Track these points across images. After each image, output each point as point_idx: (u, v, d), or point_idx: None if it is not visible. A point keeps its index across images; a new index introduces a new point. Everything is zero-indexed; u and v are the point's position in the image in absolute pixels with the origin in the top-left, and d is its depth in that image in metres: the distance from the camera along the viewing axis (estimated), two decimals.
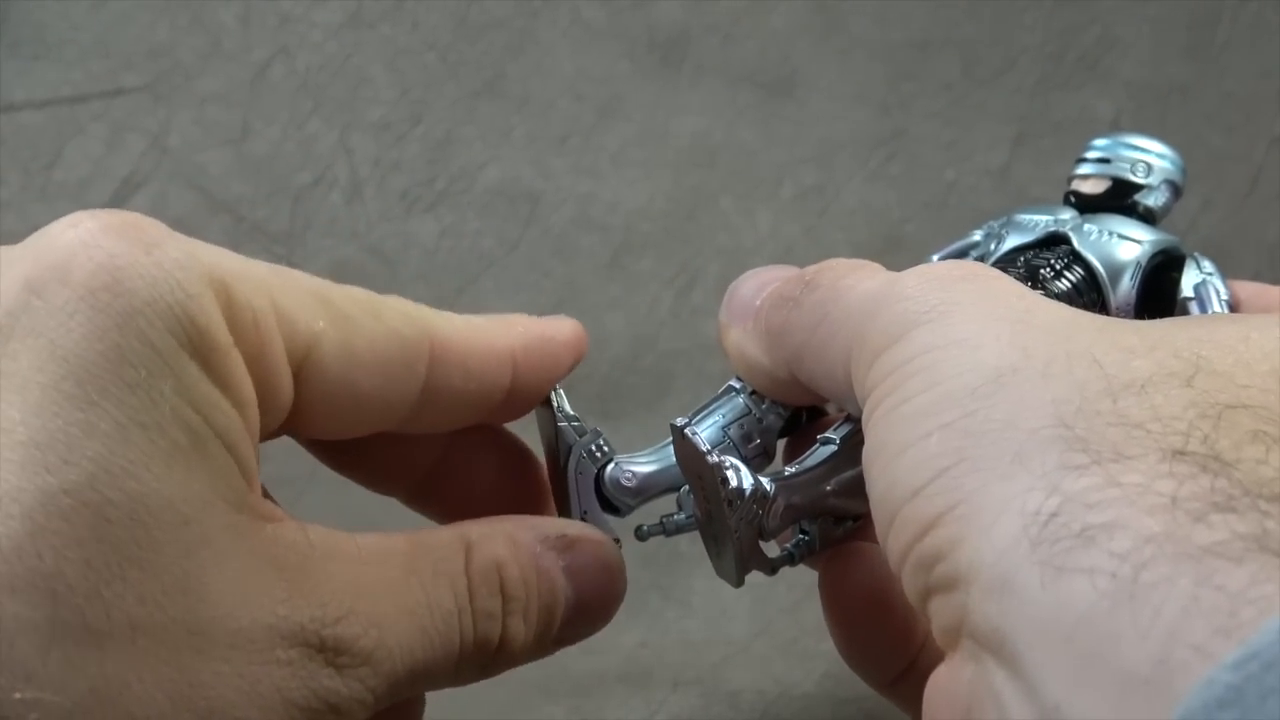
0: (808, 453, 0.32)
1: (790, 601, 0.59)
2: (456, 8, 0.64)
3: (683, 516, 0.33)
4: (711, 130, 0.64)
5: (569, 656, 0.62)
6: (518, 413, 0.34)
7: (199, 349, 0.26)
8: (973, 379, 0.25)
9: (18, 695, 0.22)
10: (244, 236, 0.61)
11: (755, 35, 0.65)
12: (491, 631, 0.30)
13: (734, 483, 0.30)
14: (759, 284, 0.34)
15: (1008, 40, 0.66)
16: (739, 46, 0.65)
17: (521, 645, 0.31)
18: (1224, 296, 0.34)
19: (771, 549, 0.33)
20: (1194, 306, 0.34)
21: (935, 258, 0.38)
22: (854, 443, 0.31)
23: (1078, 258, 0.34)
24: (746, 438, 0.34)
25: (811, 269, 0.32)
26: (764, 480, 0.30)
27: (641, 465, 0.33)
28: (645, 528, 0.34)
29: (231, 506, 0.26)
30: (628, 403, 0.60)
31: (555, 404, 0.34)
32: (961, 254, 0.37)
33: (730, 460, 0.30)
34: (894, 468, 0.26)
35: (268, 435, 0.30)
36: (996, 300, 0.28)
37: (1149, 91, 0.67)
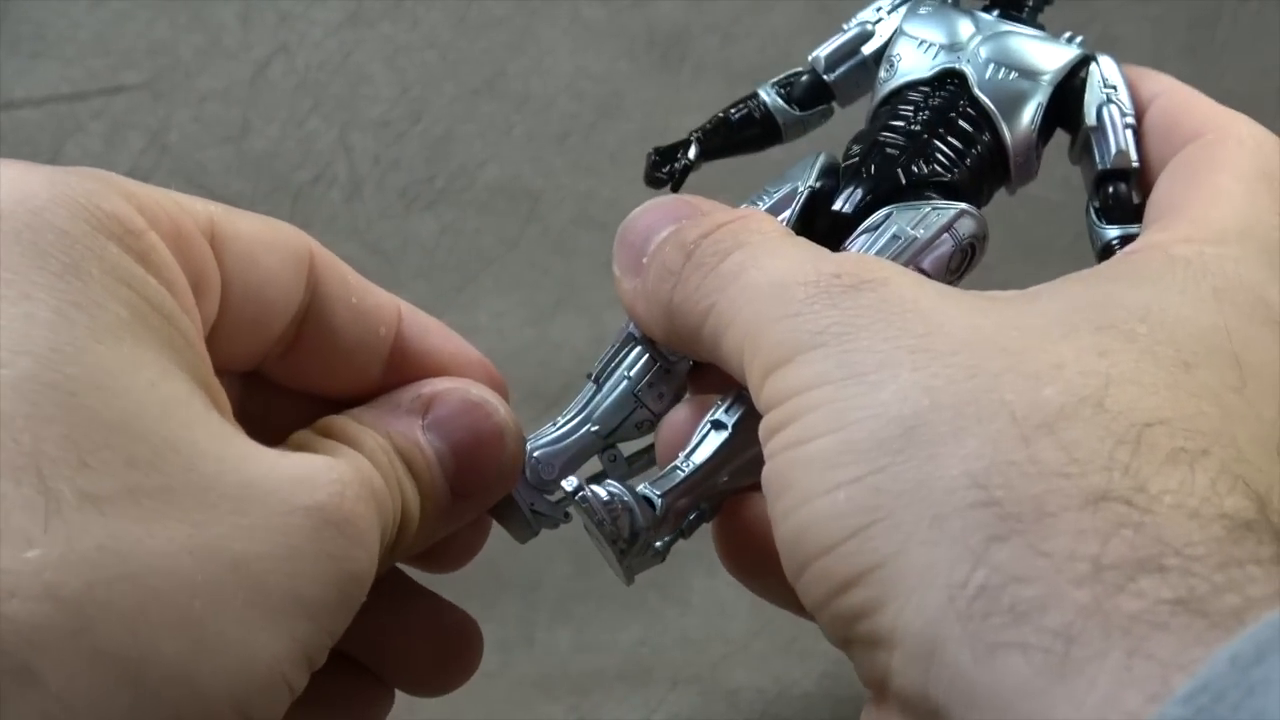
0: (698, 438, 0.31)
1: None
2: (456, 6, 0.64)
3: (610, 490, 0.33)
4: None
5: (568, 656, 0.62)
6: (410, 374, 0.33)
7: (114, 231, 0.26)
8: (877, 428, 0.25)
9: (28, 554, 0.22)
10: None
11: (755, 34, 0.65)
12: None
13: (626, 533, 0.30)
14: (646, 228, 0.32)
15: None
16: (739, 45, 0.65)
17: (411, 502, 0.30)
18: (1127, 120, 0.33)
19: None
20: (1096, 138, 0.33)
21: (822, 55, 0.36)
22: (748, 425, 0.31)
23: (975, 102, 0.33)
24: (657, 396, 0.33)
25: (689, 234, 0.31)
26: (654, 502, 0.30)
27: (553, 449, 0.33)
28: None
29: (190, 376, 0.26)
30: None
31: None
32: (853, 50, 0.35)
33: (618, 505, 0.30)
34: (800, 516, 0.25)
35: (216, 356, 0.30)
36: (889, 321, 0.26)
37: None
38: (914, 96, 0.34)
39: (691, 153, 0.35)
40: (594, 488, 0.30)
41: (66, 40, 0.61)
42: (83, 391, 0.24)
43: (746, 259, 0.29)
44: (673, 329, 0.31)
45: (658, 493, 0.31)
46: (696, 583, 0.59)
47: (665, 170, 0.35)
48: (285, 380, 0.33)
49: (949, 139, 0.33)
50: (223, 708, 0.24)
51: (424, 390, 0.32)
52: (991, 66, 0.34)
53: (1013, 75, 0.34)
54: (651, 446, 0.34)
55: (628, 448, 0.34)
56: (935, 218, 0.31)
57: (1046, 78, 0.33)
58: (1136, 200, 0.33)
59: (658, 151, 0.35)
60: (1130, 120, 0.33)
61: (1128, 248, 0.30)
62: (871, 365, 0.26)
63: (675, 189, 0.35)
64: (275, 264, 0.30)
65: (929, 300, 0.27)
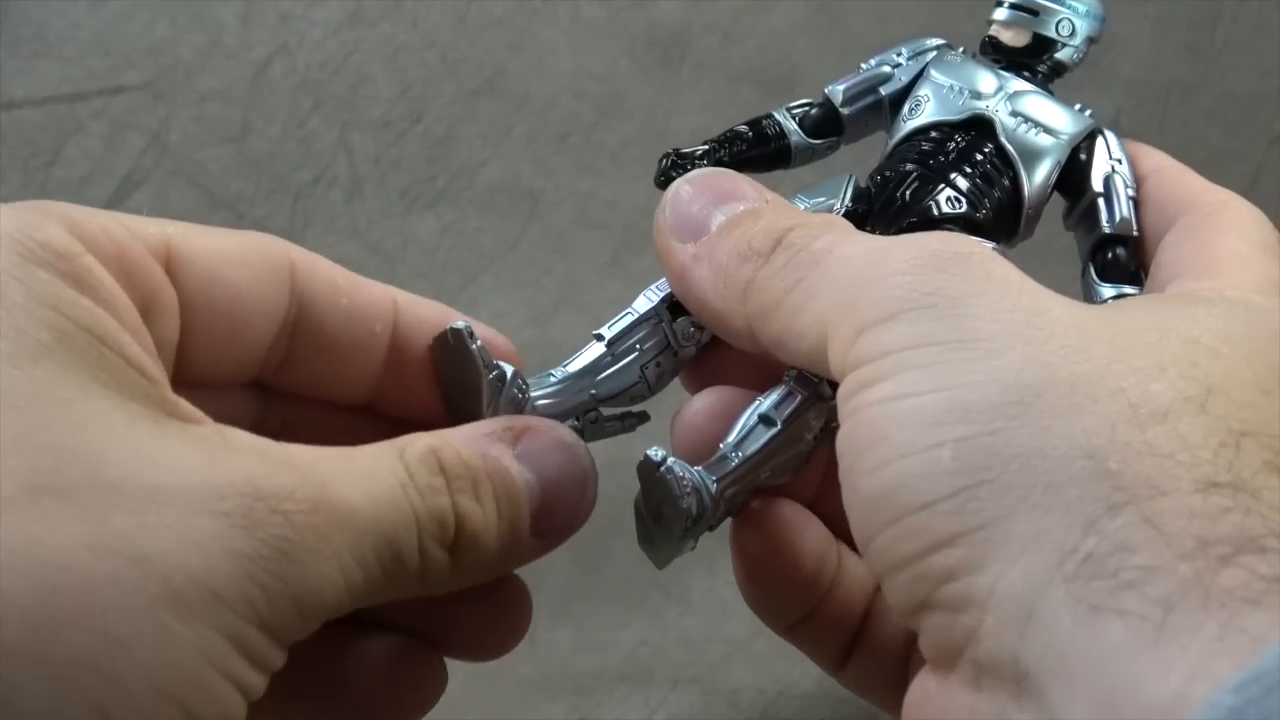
0: (743, 430, 0.32)
1: None
2: (457, 6, 0.64)
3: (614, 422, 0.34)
4: (711, 128, 0.63)
5: (569, 656, 0.61)
6: (411, 366, 0.33)
7: (45, 259, 0.27)
8: (992, 393, 0.25)
9: None
10: None
11: (755, 34, 0.65)
12: (442, 506, 0.29)
13: (694, 512, 0.30)
14: (710, 198, 0.32)
15: None
16: (739, 45, 0.65)
17: (485, 528, 0.30)
18: (1130, 192, 0.35)
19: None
20: (1101, 204, 0.35)
21: (840, 88, 0.37)
22: (796, 423, 0.32)
23: (1000, 150, 0.35)
24: (659, 375, 0.34)
25: (778, 222, 0.31)
26: (710, 486, 0.31)
27: (552, 401, 0.34)
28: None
29: (118, 392, 0.26)
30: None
31: (477, 352, 0.32)
32: (871, 88, 0.37)
33: (690, 484, 0.30)
34: (894, 470, 0.25)
35: (197, 372, 0.30)
36: (1003, 294, 0.27)
37: (1149, 90, 0.67)
38: (938, 136, 0.35)
39: (704, 161, 0.36)
40: (674, 461, 0.31)
41: (67, 40, 0.61)
42: None
43: (840, 239, 0.30)
44: (745, 304, 0.31)
45: (713, 478, 0.31)
46: (697, 583, 0.59)
47: (679, 174, 0.36)
48: (289, 387, 0.33)
49: (975, 179, 0.35)
50: (152, 701, 0.24)
51: (513, 423, 0.32)
52: (1016, 119, 0.35)
53: (1035, 131, 0.35)
54: (623, 414, 0.35)
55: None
56: None
57: (1065, 138, 0.35)
58: (1132, 268, 0.35)
59: (677, 154, 0.36)
60: (1132, 193, 0.35)
61: (1186, 287, 0.31)
62: (986, 332, 0.26)
63: None
64: (246, 278, 0.31)
65: (1033, 285, 0.28)
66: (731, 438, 0.32)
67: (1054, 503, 0.24)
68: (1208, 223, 0.32)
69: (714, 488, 0.31)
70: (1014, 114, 0.35)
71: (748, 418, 0.32)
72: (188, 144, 0.61)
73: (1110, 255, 0.35)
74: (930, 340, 0.26)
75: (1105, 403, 0.24)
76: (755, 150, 0.37)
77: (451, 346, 0.33)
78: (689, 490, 0.30)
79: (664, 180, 0.35)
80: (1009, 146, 0.35)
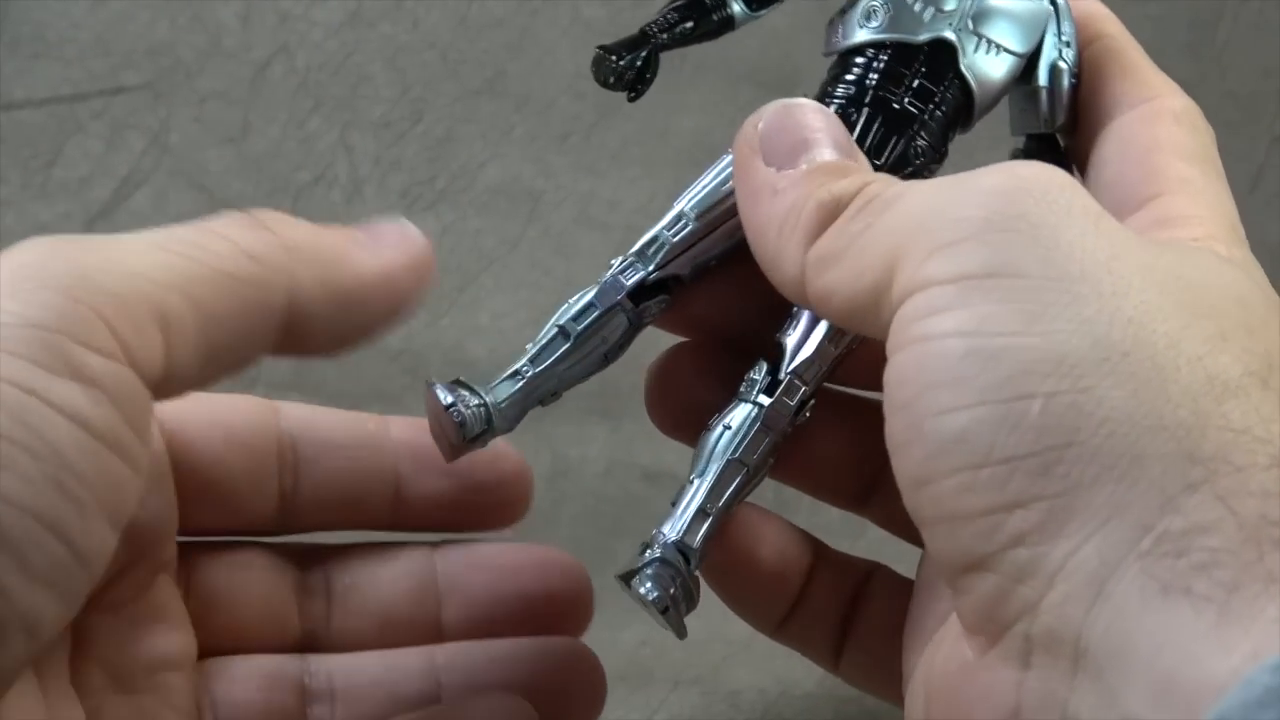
0: (707, 462, 0.32)
1: None
2: (457, 6, 0.64)
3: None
4: (712, 129, 0.63)
5: None
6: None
7: None
8: (1084, 346, 0.24)
9: None
10: None
11: (756, 33, 0.65)
12: None
13: (684, 612, 0.33)
14: (806, 135, 0.31)
15: None
16: (739, 45, 0.65)
17: None
18: (1071, 80, 0.34)
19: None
20: (1043, 98, 0.34)
21: None
22: (768, 451, 0.32)
23: (958, 75, 0.34)
24: (622, 348, 0.34)
25: (864, 176, 0.29)
26: (689, 554, 0.32)
27: (516, 402, 0.33)
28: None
29: None
30: (629, 402, 0.60)
31: (435, 391, 0.33)
32: None
33: (673, 593, 0.32)
34: (972, 416, 0.24)
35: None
36: (1084, 229, 0.25)
37: None
38: (894, 59, 0.34)
39: (647, 62, 0.36)
40: (650, 584, 0.31)
41: (67, 41, 0.61)
42: None
43: (914, 185, 0.28)
44: (809, 250, 0.29)
45: (693, 546, 0.32)
46: None
47: (625, 75, 0.36)
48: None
49: (935, 113, 0.34)
50: None
51: None
52: (978, 40, 0.34)
53: (995, 53, 0.34)
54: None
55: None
56: None
57: (1023, 53, 0.34)
58: (1062, 145, 0.35)
59: (611, 50, 0.36)
60: (1074, 80, 0.34)
61: (1161, 234, 0.30)
62: (1073, 272, 0.24)
63: (635, 98, 0.36)
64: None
65: (1109, 220, 0.26)
66: (704, 484, 0.32)
67: (1139, 475, 0.23)
68: (1147, 131, 0.32)
69: (694, 555, 0.31)
70: (975, 34, 0.34)
71: (714, 446, 0.32)
72: (188, 145, 0.61)
73: (1041, 148, 0.35)
74: (1013, 271, 0.25)
75: (1186, 371, 0.24)
76: (698, 30, 0.37)
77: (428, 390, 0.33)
78: (677, 597, 0.31)
79: (609, 83, 0.35)
80: (967, 74, 0.34)
